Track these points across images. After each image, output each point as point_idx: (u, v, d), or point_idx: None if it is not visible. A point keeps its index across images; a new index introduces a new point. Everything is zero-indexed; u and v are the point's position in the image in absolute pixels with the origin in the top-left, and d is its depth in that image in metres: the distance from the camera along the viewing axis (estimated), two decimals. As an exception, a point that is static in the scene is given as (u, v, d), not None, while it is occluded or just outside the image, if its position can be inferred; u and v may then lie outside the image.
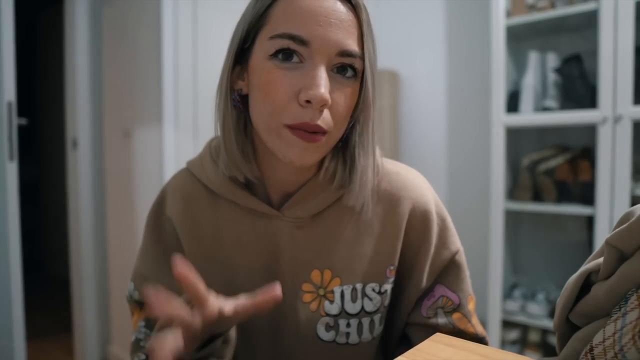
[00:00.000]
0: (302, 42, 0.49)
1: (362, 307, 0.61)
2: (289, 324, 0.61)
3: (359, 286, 0.61)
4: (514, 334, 1.80)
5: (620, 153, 1.46)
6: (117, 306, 1.91)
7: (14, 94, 1.35)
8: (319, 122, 0.50)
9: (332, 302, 0.60)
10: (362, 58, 0.52)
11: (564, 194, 1.66)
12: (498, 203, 1.73)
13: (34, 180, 3.46)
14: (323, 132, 0.51)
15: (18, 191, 1.37)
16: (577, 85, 1.61)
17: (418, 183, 0.65)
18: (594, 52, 1.54)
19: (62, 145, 2.80)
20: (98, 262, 2.00)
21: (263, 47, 0.52)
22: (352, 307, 0.61)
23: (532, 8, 1.68)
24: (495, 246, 1.74)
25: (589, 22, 1.64)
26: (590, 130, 1.58)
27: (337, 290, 0.60)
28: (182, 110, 1.60)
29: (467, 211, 2.14)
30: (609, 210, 1.49)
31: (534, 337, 1.75)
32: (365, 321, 0.61)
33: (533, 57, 1.73)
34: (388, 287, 0.63)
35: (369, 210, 0.59)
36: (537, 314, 1.69)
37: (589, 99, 1.57)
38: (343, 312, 0.60)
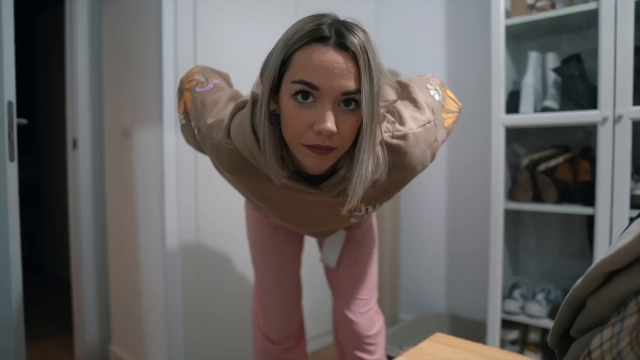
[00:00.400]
0: (314, 87, 0.68)
1: (375, 206, 0.96)
2: (327, 219, 0.99)
3: (377, 205, 0.96)
4: (514, 334, 1.80)
5: (620, 153, 1.46)
6: (117, 306, 1.91)
7: (14, 94, 1.35)
8: (328, 143, 0.70)
9: (359, 211, 0.95)
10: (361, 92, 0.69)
11: (564, 194, 1.66)
12: (498, 203, 1.73)
13: (34, 181, 3.47)
14: (333, 148, 0.71)
15: (18, 191, 1.37)
16: (577, 85, 1.61)
17: (413, 161, 0.84)
18: (594, 52, 1.54)
19: (62, 145, 2.80)
20: (98, 262, 2.00)
21: (287, 87, 0.70)
22: (372, 210, 0.97)
23: (532, 8, 1.68)
24: (495, 246, 1.74)
25: (589, 22, 1.64)
26: (590, 130, 1.58)
27: (363, 208, 0.94)
28: (182, 110, 1.60)
29: (467, 211, 2.14)
30: (609, 210, 1.49)
31: (534, 337, 1.75)
32: (378, 206, 0.97)
33: (533, 57, 1.73)
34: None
35: (360, 194, 0.75)
36: (537, 314, 1.69)
37: (589, 99, 1.57)
38: (366, 212, 0.97)
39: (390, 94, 0.80)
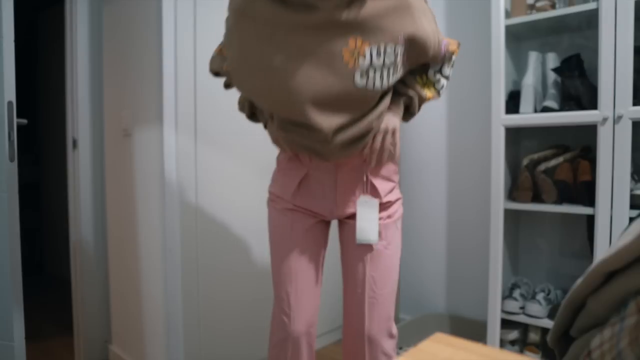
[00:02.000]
0: None
1: (384, 62, 0.92)
2: (333, 76, 0.91)
3: (382, 45, 0.91)
4: (513, 334, 1.80)
5: (620, 153, 1.46)
6: (117, 306, 1.91)
7: (14, 93, 1.35)
8: None
9: (364, 57, 0.91)
10: None
11: (564, 194, 1.66)
12: (498, 203, 1.73)
13: (34, 181, 3.47)
14: None
15: (18, 191, 1.37)
16: (577, 85, 1.61)
17: None
18: (594, 52, 1.54)
19: (62, 145, 2.80)
20: (98, 262, 2.00)
21: None
22: (377, 61, 0.91)
23: (532, 8, 1.68)
24: (495, 246, 1.74)
25: (589, 22, 1.64)
26: (590, 130, 1.58)
27: (367, 50, 0.90)
28: (182, 110, 1.60)
29: (467, 211, 2.14)
30: (609, 210, 1.49)
31: (533, 337, 1.75)
32: (385, 72, 0.93)
33: (533, 57, 1.73)
34: (400, 49, 0.94)
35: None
36: (537, 314, 1.69)
37: (589, 99, 1.57)
38: (371, 65, 0.91)
39: None
